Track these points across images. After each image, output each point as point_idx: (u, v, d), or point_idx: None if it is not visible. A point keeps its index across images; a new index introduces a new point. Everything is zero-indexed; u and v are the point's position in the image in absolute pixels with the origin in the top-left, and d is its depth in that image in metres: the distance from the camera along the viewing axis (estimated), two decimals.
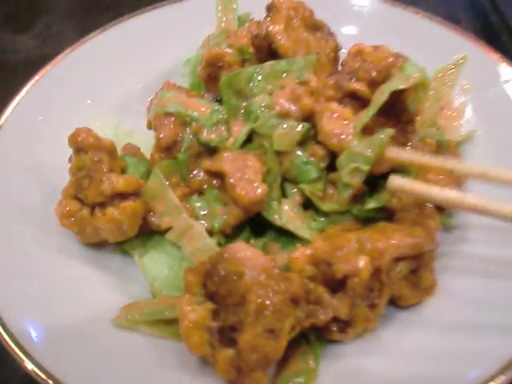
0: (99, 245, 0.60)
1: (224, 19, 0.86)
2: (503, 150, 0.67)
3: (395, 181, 0.52)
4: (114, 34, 0.83)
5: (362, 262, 0.48)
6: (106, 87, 0.77)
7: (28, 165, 0.65)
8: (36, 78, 0.73)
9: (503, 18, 1.02)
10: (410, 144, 0.60)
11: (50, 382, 0.45)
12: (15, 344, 0.47)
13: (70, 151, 0.65)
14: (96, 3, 1.13)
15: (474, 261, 0.58)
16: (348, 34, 0.77)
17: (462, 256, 0.59)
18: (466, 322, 0.52)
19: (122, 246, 0.61)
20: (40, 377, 0.45)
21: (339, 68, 0.72)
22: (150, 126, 0.64)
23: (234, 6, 0.86)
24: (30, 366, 0.46)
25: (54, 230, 0.59)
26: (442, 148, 0.62)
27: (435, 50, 0.74)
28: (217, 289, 0.48)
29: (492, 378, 0.46)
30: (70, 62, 0.77)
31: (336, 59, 0.72)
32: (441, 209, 0.59)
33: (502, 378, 0.46)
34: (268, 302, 0.46)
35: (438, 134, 0.64)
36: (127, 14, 1.08)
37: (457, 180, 0.59)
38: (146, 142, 0.68)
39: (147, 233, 0.60)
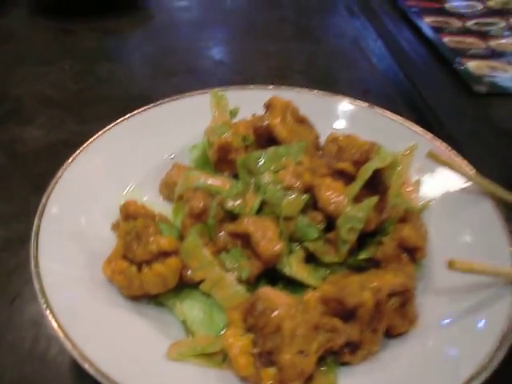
0: (136, 298, 0.71)
1: (216, 113, 1.04)
2: (450, 214, 0.85)
3: (459, 264, 0.67)
4: (126, 127, 0.97)
5: (366, 295, 0.63)
6: (124, 171, 0.90)
7: (71, 233, 0.76)
8: (66, 164, 0.85)
9: (434, 114, 1.27)
10: (385, 210, 0.77)
11: None
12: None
13: (101, 223, 0.79)
14: (91, 98, 1.29)
15: (441, 301, 0.74)
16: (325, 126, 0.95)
17: (430, 298, 0.74)
18: (442, 345, 0.67)
19: (157, 299, 0.72)
20: None
21: (319, 152, 0.90)
22: (178, 199, 0.78)
23: (225, 103, 1.05)
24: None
25: (101, 285, 0.70)
26: (408, 213, 0.79)
27: (393, 138, 0.94)
28: (256, 322, 0.61)
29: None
30: (92, 150, 0.90)
31: (317, 145, 0.90)
32: (413, 260, 0.76)
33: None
34: (298, 329, 0.59)
35: (405, 203, 0.81)
36: (120, 107, 1.25)
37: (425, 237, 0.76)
38: (163, 212, 0.81)
39: (178, 286, 0.72)
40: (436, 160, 0.84)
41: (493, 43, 1.48)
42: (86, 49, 1.51)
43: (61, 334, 0.60)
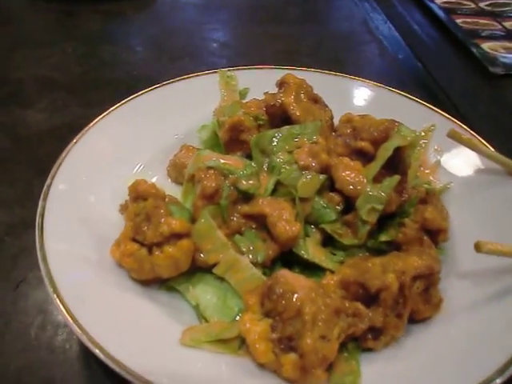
0: (147, 282, 0.68)
1: (225, 93, 1.00)
2: (471, 196, 0.82)
3: (487, 246, 0.65)
4: (132, 107, 0.93)
5: (391, 278, 0.59)
6: (130, 152, 0.86)
7: (77, 215, 0.72)
8: (71, 144, 0.81)
9: (449, 97, 1.23)
10: (404, 191, 0.74)
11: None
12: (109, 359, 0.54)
13: (110, 204, 0.76)
14: (95, 81, 1.25)
15: (465, 286, 0.70)
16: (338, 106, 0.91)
17: (453, 283, 0.71)
18: (469, 331, 0.64)
19: (168, 283, 0.68)
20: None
21: (333, 133, 0.86)
22: (189, 179, 0.74)
23: (234, 83, 1.02)
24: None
25: (110, 269, 0.67)
26: (429, 194, 0.76)
27: (411, 119, 0.89)
28: (274, 306, 0.58)
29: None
30: (97, 131, 0.86)
31: (332, 126, 0.87)
32: (435, 243, 0.72)
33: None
34: (319, 314, 0.56)
35: (426, 183, 0.78)
36: (124, 90, 1.21)
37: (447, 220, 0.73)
38: (172, 194, 0.78)
39: (190, 270, 0.69)
40: (457, 139, 0.80)
41: (507, 24, 1.44)
42: (88, 31, 1.47)
43: (69, 319, 0.57)
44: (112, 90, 1.22)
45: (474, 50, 1.31)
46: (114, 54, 1.38)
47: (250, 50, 1.46)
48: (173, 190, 0.82)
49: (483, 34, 1.39)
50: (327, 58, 1.42)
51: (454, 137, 0.80)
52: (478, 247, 0.64)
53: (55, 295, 0.59)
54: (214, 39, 1.52)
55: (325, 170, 0.72)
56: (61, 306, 0.58)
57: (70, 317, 0.57)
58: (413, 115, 0.93)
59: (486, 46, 1.34)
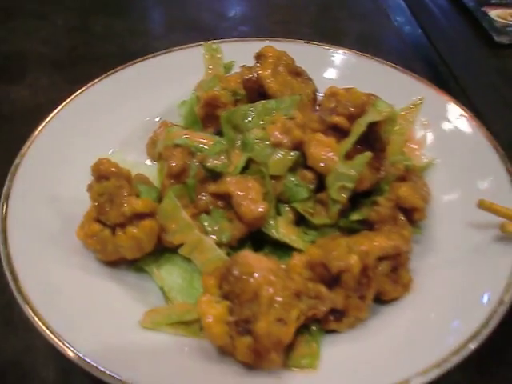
0: (115, 263, 0.67)
1: (210, 67, 0.98)
2: (457, 174, 0.78)
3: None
4: (112, 82, 0.91)
5: (353, 259, 0.57)
6: (108, 128, 0.85)
7: (46, 197, 0.71)
8: (46, 120, 0.80)
9: (450, 69, 1.18)
10: (382, 168, 0.71)
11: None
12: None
13: (81, 184, 0.74)
14: (85, 55, 1.23)
15: (439, 264, 0.68)
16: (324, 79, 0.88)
17: (429, 261, 0.69)
18: (433, 309, 0.62)
19: (136, 264, 0.67)
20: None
21: (317, 108, 0.83)
22: (159, 157, 0.73)
23: (219, 56, 0.99)
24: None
25: (76, 251, 0.66)
26: (408, 171, 0.73)
27: (398, 92, 0.86)
28: (232, 288, 0.56)
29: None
30: (74, 107, 0.85)
31: (315, 100, 0.84)
32: (412, 221, 0.70)
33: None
34: (277, 296, 0.55)
35: (405, 160, 0.75)
36: (115, 65, 1.19)
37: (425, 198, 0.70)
38: (149, 173, 0.76)
39: (158, 251, 0.68)
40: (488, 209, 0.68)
41: None
42: (81, 1, 1.43)
43: (21, 300, 0.56)
44: (103, 65, 1.18)
45: (482, 18, 1.25)
46: (106, 26, 1.34)
47: (248, 20, 1.42)
48: (151, 169, 0.81)
49: (493, 1, 1.32)
50: (328, 29, 1.37)
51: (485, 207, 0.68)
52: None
53: (11, 277, 0.58)
54: (212, 9, 1.47)
55: (298, 146, 0.70)
56: (13, 288, 0.57)
57: (20, 294, 0.56)
58: (401, 88, 0.90)
59: (495, 13, 1.28)
